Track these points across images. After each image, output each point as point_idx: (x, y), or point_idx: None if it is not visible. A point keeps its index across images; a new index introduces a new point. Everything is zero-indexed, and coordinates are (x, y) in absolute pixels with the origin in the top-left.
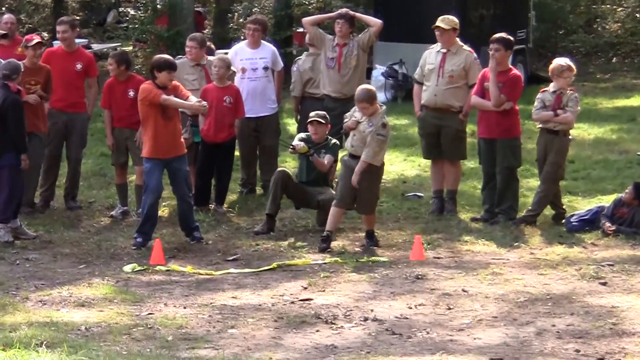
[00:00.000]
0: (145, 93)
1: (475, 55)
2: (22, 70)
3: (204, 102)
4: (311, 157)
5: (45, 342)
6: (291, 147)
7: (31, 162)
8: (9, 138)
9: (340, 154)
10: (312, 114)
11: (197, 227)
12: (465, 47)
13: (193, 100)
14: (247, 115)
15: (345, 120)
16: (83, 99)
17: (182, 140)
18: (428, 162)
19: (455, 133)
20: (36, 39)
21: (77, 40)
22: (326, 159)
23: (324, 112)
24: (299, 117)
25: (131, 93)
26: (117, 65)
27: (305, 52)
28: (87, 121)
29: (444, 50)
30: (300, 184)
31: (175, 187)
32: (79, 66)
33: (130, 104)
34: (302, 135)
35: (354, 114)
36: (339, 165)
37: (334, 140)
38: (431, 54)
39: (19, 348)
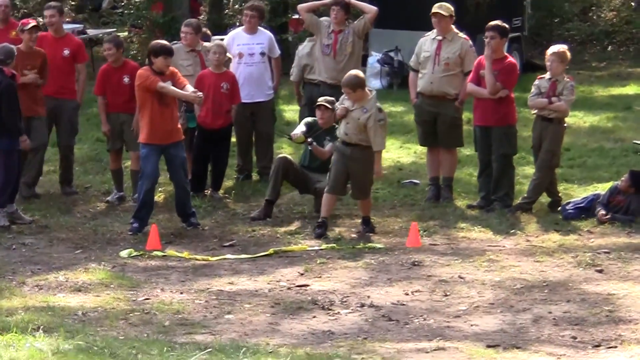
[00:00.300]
0: (142, 79)
1: (470, 42)
2: (16, 54)
3: (200, 93)
4: (310, 145)
5: (42, 327)
6: (288, 136)
7: (34, 144)
8: (2, 123)
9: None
10: (320, 98)
11: (193, 213)
12: (461, 34)
13: (190, 89)
14: (243, 101)
15: (336, 108)
16: (72, 85)
17: (179, 126)
18: (424, 149)
19: (452, 120)
20: (32, 22)
21: (72, 26)
22: (328, 147)
23: (333, 98)
24: (301, 102)
25: (126, 79)
26: (117, 49)
27: (308, 38)
28: (76, 109)
29: (440, 38)
30: (302, 169)
31: (172, 174)
32: (66, 52)
33: (125, 90)
34: (309, 119)
35: (343, 101)
36: None
37: None
38: (426, 42)
39: (15, 332)
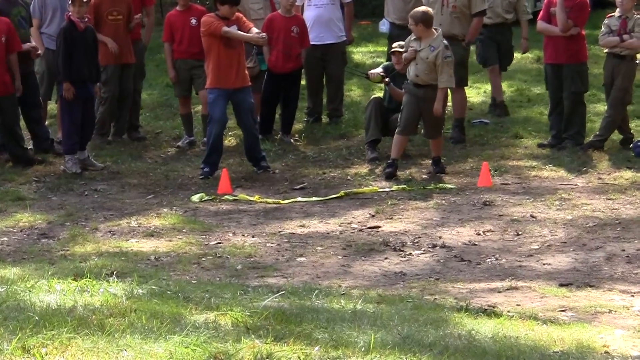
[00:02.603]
0: (207, 25)
1: None
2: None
3: (263, 34)
4: (387, 86)
5: (115, 272)
6: (365, 75)
7: (121, 92)
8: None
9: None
10: (394, 44)
11: (263, 157)
12: None
13: (254, 31)
14: (312, 43)
15: (402, 49)
16: (138, 28)
17: (246, 72)
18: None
19: (460, 59)
20: None
21: None
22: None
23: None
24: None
25: (193, 21)
26: None
27: None
28: (143, 50)
29: None
30: (386, 111)
31: (240, 119)
32: None
33: (193, 32)
34: (387, 63)
35: (410, 43)
36: None
37: None
38: None
39: (89, 278)
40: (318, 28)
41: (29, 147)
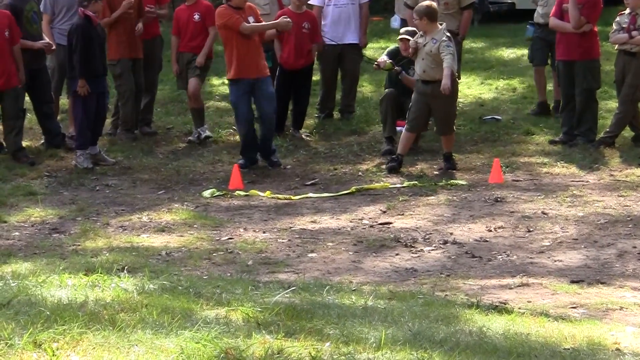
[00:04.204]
0: (225, 18)
1: None
2: None
3: (288, 18)
4: (399, 75)
5: (126, 267)
6: (375, 63)
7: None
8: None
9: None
10: (402, 30)
11: (274, 151)
12: None
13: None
14: (332, 42)
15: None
16: (157, 25)
17: (265, 63)
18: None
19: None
20: None
21: None
22: (415, 76)
23: (413, 29)
24: None
25: (196, 16)
26: None
27: None
28: (161, 44)
29: None
30: (404, 98)
31: (260, 108)
32: None
33: (195, 27)
34: (391, 48)
35: (417, 40)
36: None
37: None
38: None
39: (100, 273)
40: (337, 27)
41: (41, 142)
